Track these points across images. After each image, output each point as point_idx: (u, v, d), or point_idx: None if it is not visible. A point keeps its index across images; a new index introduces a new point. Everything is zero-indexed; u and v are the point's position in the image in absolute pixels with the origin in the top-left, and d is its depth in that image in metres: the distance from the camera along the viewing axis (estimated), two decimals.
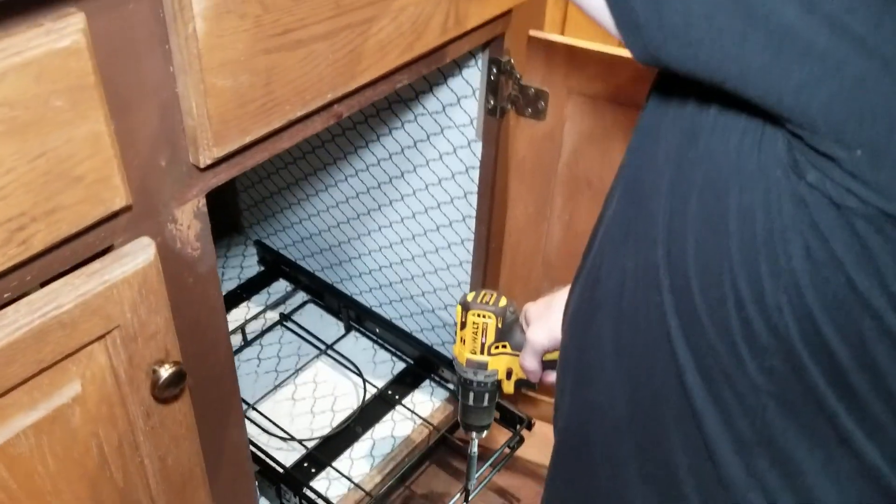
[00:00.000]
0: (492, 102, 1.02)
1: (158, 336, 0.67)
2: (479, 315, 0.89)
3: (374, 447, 1.26)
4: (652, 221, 0.50)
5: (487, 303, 0.90)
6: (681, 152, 0.48)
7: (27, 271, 0.57)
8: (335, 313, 1.46)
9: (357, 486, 1.19)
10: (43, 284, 0.59)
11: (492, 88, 1.01)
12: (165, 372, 0.67)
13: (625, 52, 0.93)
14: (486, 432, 1.01)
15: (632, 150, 0.55)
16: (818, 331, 0.41)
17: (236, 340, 1.40)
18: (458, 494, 1.15)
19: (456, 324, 0.92)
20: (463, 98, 1.07)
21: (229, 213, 1.59)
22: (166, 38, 0.59)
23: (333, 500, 1.16)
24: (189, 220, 0.69)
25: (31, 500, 0.63)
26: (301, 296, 1.50)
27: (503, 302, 0.90)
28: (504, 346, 0.90)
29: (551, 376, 0.88)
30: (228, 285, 1.52)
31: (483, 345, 0.90)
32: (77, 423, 0.64)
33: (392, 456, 1.25)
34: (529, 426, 1.25)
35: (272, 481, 1.16)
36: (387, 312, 1.42)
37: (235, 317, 1.43)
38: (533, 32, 0.94)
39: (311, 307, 1.48)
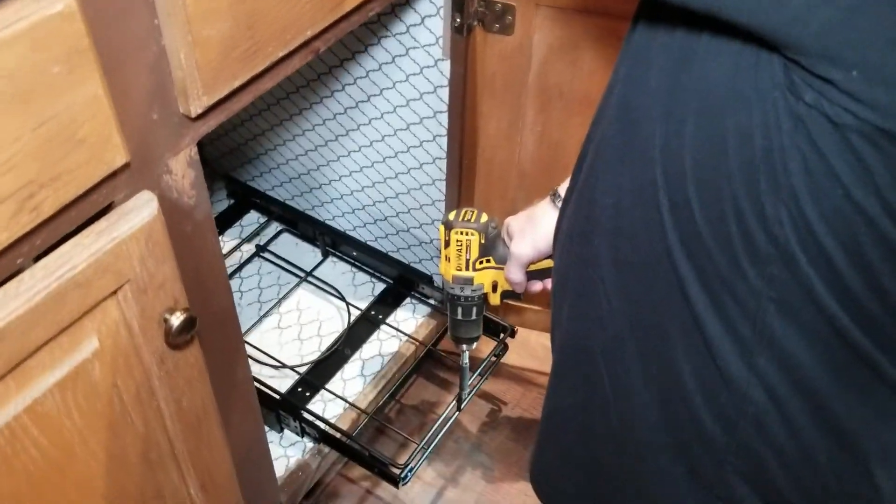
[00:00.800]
0: (458, 20, 1.02)
1: (167, 285, 0.68)
2: (461, 233, 0.92)
3: (364, 367, 1.30)
4: (647, 143, 0.53)
5: (469, 220, 0.92)
6: (673, 76, 0.50)
7: (38, 236, 0.58)
8: (311, 240, 1.47)
9: (351, 405, 1.23)
10: (51, 248, 0.60)
11: (457, 6, 1.00)
12: (176, 320, 0.69)
13: None
14: (475, 344, 1.06)
15: (620, 75, 0.57)
16: (816, 239, 0.45)
17: None
18: (452, 402, 1.20)
19: (440, 243, 0.95)
20: (427, 17, 1.07)
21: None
22: None
23: (331, 420, 1.21)
24: (183, 170, 0.69)
25: (61, 453, 0.66)
26: (275, 226, 1.51)
27: (484, 218, 0.93)
28: (488, 261, 0.94)
29: (536, 286, 0.92)
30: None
31: (468, 261, 0.94)
32: (97, 377, 0.66)
33: (382, 374, 1.29)
34: (513, 334, 1.30)
35: (270, 408, 1.19)
36: (362, 235, 1.44)
37: None
38: None
39: (286, 236, 1.49)
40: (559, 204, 0.83)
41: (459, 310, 0.99)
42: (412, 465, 1.13)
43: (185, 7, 0.59)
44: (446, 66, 1.09)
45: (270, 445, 1.19)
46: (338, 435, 1.16)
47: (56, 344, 0.61)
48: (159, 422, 0.76)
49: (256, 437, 1.00)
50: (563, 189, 0.84)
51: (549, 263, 0.90)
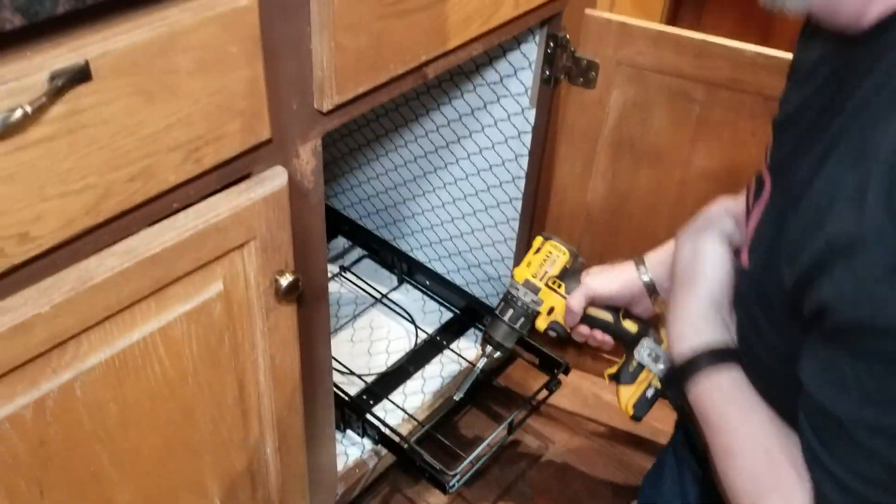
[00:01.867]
0: (547, 73, 1.15)
1: (282, 250, 0.81)
2: (556, 246, 0.96)
3: (425, 384, 1.40)
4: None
5: (566, 242, 0.98)
6: None
7: (193, 187, 0.72)
8: (389, 267, 1.60)
9: (410, 416, 1.33)
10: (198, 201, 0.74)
11: (548, 60, 1.14)
12: (285, 280, 0.81)
13: (669, 28, 1.07)
14: (499, 354, 1.02)
15: None
16: None
17: None
18: (503, 426, 1.28)
19: (531, 250, 0.99)
20: (520, 69, 1.21)
21: None
22: (308, 2, 0.73)
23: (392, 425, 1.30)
24: (308, 157, 0.83)
25: (177, 376, 0.78)
26: (359, 251, 1.64)
27: (576, 250, 0.98)
28: (559, 286, 0.96)
29: (583, 329, 0.94)
30: None
31: (546, 274, 0.96)
32: (216, 317, 0.78)
33: (440, 393, 1.39)
34: (567, 371, 1.39)
35: (336, 406, 1.30)
36: (437, 268, 1.56)
37: None
38: (588, 11, 1.08)
39: (367, 262, 1.63)
40: (642, 270, 0.90)
41: (510, 312, 0.97)
42: (460, 473, 1.22)
43: (332, 19, 0.73)
44: (532, 114, 1.22)
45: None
46: (395, 438, 1.26)
47: (191, 280, 0.74)
48: (254, 374, 0.88)
49: (326, 420, 1.11)
50: (650, 258, 0.90)
51: (606, 316, 0.93)
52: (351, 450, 1.30)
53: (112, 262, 0.66)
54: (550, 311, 0.97)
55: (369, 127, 1.49)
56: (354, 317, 1.51)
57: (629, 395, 0.93)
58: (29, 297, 0.62)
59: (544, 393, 1.37)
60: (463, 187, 1.42)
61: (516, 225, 1.36)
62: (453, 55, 0.94)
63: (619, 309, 0.93)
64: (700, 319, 0.71)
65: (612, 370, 0.95)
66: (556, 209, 1.28)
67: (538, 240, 0.98)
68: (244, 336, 0.84)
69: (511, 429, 1.30)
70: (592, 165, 1.20)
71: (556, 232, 1.34)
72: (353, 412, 1.29)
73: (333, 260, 1.62)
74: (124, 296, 0.68)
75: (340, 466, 1.27)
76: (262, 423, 0.94)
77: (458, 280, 1.54)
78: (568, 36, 1.11)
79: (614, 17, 1.05)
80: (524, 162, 1.28)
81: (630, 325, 0.93)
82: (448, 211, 1.47)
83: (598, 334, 0.94)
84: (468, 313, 1.52)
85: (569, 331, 0.95)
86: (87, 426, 0.72)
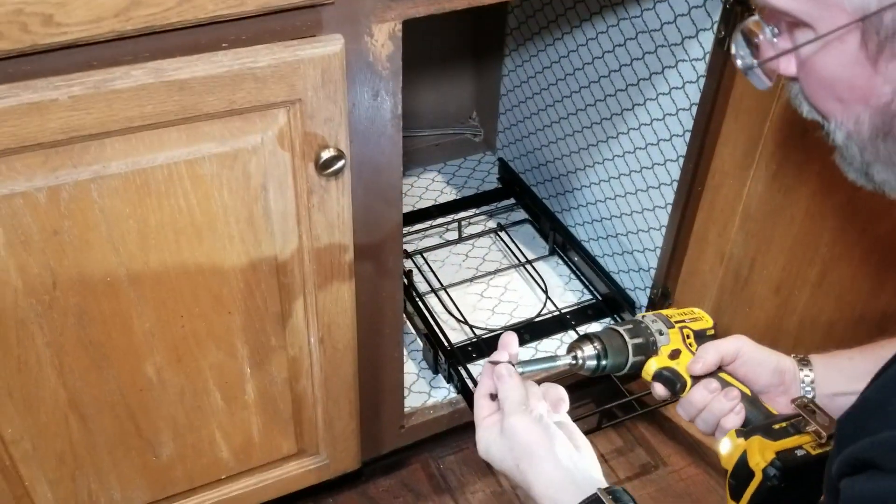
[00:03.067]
0: (722, 32, 1.02)
1: (332, 123, 0.80)
2: (703, 313, 0.85)
3: (534, 356, 1.32)
4: None
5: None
6: None
7: (241, 30, 0.73)
8: (545, 236, 1.53)
9: None
10: None
11: (724, 18, 1.01)
12: (326, 154, 0.80)
13: None
14: (589, 365, 0.78)
15: None
16: None
17: (452, 235, 1.53)
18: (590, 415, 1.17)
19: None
20: (702, 30, 1.08)
21: (487, 138, 1.73)
22: None
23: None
24: (384, 40, 0.81)
25: (204, 219, 0.80)
26: (521, 214, 1.59)
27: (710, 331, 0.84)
28: (691, 341, 0.81)
29: (697, 395, 0.77)
30: (467, 192, 1.66)
31: (684, 323, 0.82)
32: (252, 171, 0.79)
33: (545, 369, 1.30)
34: None
35: (435, 347, 1.27)
36: (593, 249, 1.47)
37: (458, 213, 1.57)
38: None
39: (526, 226, 1.57)
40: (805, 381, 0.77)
41: (630, 329, 0.79)
42: None
43: None
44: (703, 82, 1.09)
45: (421, 381, 1.27)
46: (472, 388, 1.20)
47: (225, 123, 0.76)
48: (297, 251, 0.88)
49: (394, 341, 1.08)
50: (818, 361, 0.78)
51: (743, 388, 0.78)
52: (435, 392, 1.26)
53: (137, 74, 0.69)
54: (673, 355, 0.79)
55: (556, 85, 1.43)
56: (494, 273, 1.47)
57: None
58: (50, 83, 0.67)
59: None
60: (628, 161, 1.31)
61: (670, 210, 1.23)
62: None
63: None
64: None
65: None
66: (710, 196, 1.13)
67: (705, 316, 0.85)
68: (287, 205, 0.84)
69: (600, 422, 1.18)
70: (756, 149, 1.04)
71: (705, 226, 1.19)
72: (446, 355, 1.25)
73: (494, 215, 1.58)
74: (147, 112, 0.71)
75: (417, 403, 1.24)
76: (306, 307, 0.94)
77: (609, 266, 1.43)
78: None
79: None
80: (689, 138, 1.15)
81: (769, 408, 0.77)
82: (612, 187, 1.37)
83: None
84: (608, 301, 1.41)
85: (685, 384, 0.78)
86: (104, 233, 0.76)
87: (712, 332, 0.84)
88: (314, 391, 1.03)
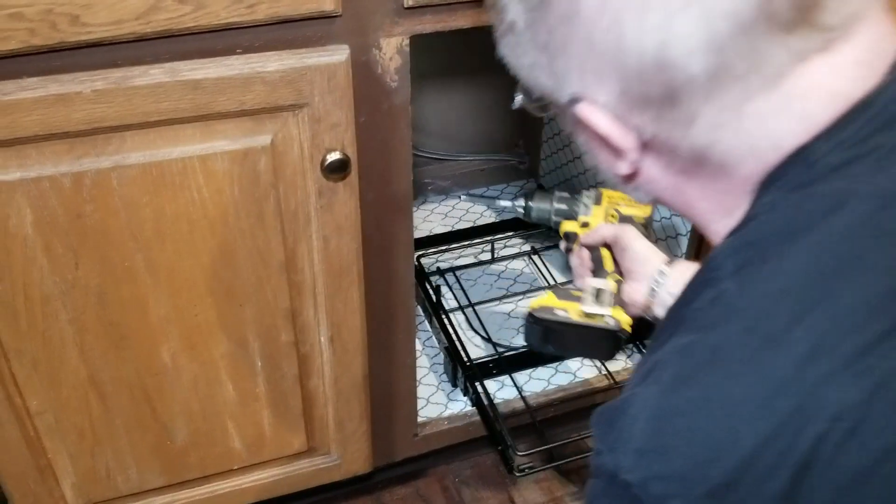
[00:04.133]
0: None
1: (339, 129, 0.85)
2: (640, 208, 1.19)
3: (554, 376, 1.33)
4: None
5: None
6: None
7: (255, 37, 0.79)
8: None
9: (523, 397, 1.27)
10: None
11: None
12: (332, 157, 0.85)
13: None
14: (523, 207, 1.30)
15: None
16: None
17: (487, 255, 1.56)
18: None
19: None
20: None
21: (531, 166, 1.77)
22: None
23: (498, 398, 1.27)
24: (392, 53, 0.85)
25: (217, 213, 0.86)
26: (556, 239, 1.61)
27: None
28: (614, 218, 1.18)
29: (573, 257, 1.14)
30: (506, 216, 1.69)
31: (617, 205, 1.19)
32: (262, 169, 0.85)
33: (564, 388, 1.31)
34: None
35: (455, 361, 1.29)
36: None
37: (495, 235, 1.60)
38: None
39: (559, 252, 1.59)
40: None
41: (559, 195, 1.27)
42: (535, 463, 1.14)
43: None
44: None
45: (440, 393, 1.30)
46: (485, 402, 1.22)
47: (237, 123, 0.82)
48: (308, 251, 0.93)
49: (406, 348, 1.12)
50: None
51: (609, 265, 1.07)
52: (452, 405, 1.29)
53: (155, 73, 0.76)
54: (585, 225, 1.18)
55: None
56: (524, 295, 1.49)
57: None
58: (76, 78, 0.74)
59: None
60: None
61: (685, 244, 1.23)
62: None
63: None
64: None
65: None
66: None
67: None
68: (297, 205, 0.89)
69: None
70: None
71: None
72: (464, 371, 1.28)
73: (529, 239, 1.61)
74: (164, 108, 0.77)
75: (433, 413, 1.27)
76: (316, 306, 0.98)
77: None
78: None
79: None
80: None
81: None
82: None
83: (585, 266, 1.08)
84: (636, 329, 1.40)
85: (575, 245, 1.14)
86: (123, 219, 0.83)
87: (642, 220, 1.13)
88: (325, 390, 1.07)
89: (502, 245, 1.59)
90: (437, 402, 1.29)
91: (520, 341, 1.39)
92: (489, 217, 1.68)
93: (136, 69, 0.76)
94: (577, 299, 1.00)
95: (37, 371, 0.90)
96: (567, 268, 1.54)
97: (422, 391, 1.29)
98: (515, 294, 1.49)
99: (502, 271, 1.55)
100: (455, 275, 1.51)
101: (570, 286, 1.11)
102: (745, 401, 0.43)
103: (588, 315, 0.98)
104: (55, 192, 0.79)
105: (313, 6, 0.78)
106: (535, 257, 1.57)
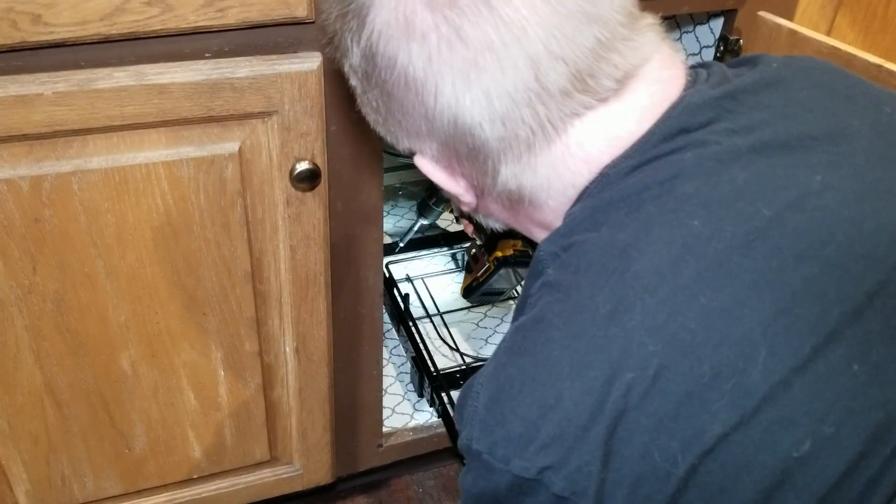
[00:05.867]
0: None
1: (308, 138, 0.83)
2: None
3: None
4: None
5: None
6: None
7: (225, 42, 0.77)
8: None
9: None
10: None
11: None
12: (301, 166, 0.83)
13: (846, 46, 0.90)
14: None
15: None
16: None
17: (456, 263, 1.55)
18: None
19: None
20: (690, 56, 1.10)
21: None
22: None
23: None
24: None
25: (181, 220, 0.84)
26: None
27: None
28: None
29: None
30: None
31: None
32: (229, 177, 0.83)
33: None
34: None
35: (421, 372, 1.28)
36: None
37: (466, 243, 1.58)
38: (762, 13, 0.95)
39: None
40: None
41: None
42: None
43: None
44: None
45: (405, 403, 1.28)
46: (451, 414, 1.21)
47: (204, 129, 0.80)
48: (274, 260, 0.91)
49: (372, 357, 1.10)
50: None
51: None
52: (418, 415, 1.28)
53: (120, 76, 0.74)
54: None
55: None
56: (493, 305, 1.48)
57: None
58: (36, 79, 0.72)
59: None
60: None
61: None
62: None
63: None
64: None
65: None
66: None
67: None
68: (264, 214, 0.87)
69: None
70: None
71: None
72: (430, 381, 1.26)
73: None
74: (128, 112, 0.75)
75: (398, 424, 1.25)
76: (281, 316, 0.96)
77: None
78: (742, 42, 0.99)
79: (786, 24, 0.91)
80: None
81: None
82: None
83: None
84: None
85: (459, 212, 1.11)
86: (83, 225, 0.80)
87: None
88: (289, 400, 1.05)
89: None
90: (403, 413, 1.28)
91: (487, 352, 1.38)
92: (459, 224, 1.67)
93: (100, 71, 0.74)
94: None
95: None
96: None
97: (387, 401, 1.28)
98: (484, 303, 1.48)
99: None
100: (424, 282, 1.50)
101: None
102: (562, 361, 0.49)
103: None
104: (12, 195, 0.76)
105: (285, 12, 0.76)
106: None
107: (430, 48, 0.53)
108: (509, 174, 0.57)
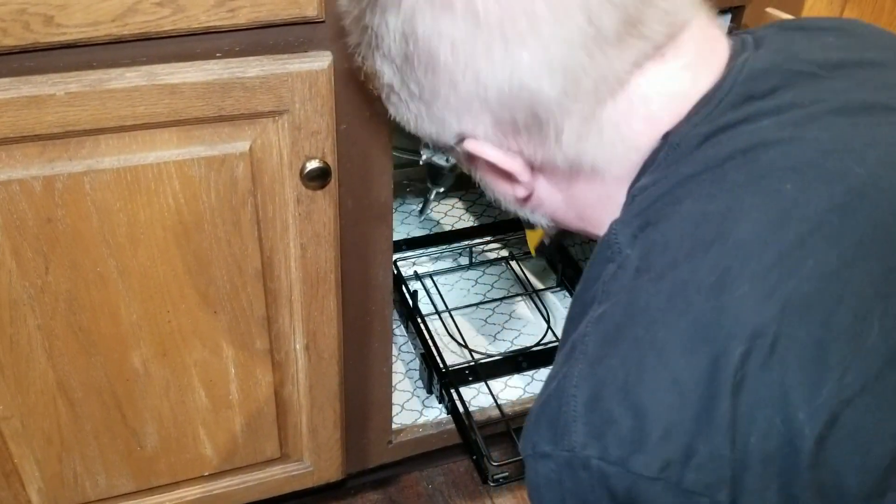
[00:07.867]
0: None
1: (319, 136, 0.83)
2: None
3: (530, 384, 1.33)
4: None
5: None
6: None
7: (235, 42, 0.77)
8: (554, 268, 1.54)
9: (499, 406, 1.27)
10: None
11: None
12: (311, 164, 0.84)
13: None
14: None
15: None
16: None
17: (464, 260, 1.55)
18: None
19: None
20: None
21: None
22: None
23: (473, 406, 1.26)
24: None
25: (192, 219, 0.84)
26: None
27: None
28: None
29: None
30: (485, 220, 1.68)
31: None
32: (240, 176, 0.83)
33: None
34: None
35: (430, 368, 1.29)
36: None
37: (473, 240, 1.59)
38: (770, 9, 0.95)
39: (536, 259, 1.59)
40: None
41: None
42: (510, 473, 1.14)
43: None
44: None
45: (414, 399, 1.29)
46: (461, 410, 1.21)
47: (215, 128, 0.80)
48: (285, 257, 0.92)
49: (382, 355, 1.11)
50: None
51: None
52: (427, 411, 1.28)
53: (131, 76, 0.74)
54: None
55: None
56: (500, 301, 1.48)
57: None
58: (49, 79, 0.72)
59: None
60: None
61: None
62: None
63: None
64: None
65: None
66: None
67: None
68: (275, 213, 0.88)
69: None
70: None
71: None
72: (440, 378, 1.27)
73: (508, 244, 1.60)
74: (139, 112, 0.75)
75: (407, 420, 1.26)
76: (292, 314, 0.97)
77: None
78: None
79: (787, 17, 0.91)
80: None
81: None
82: None
83: None
84: None
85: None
86: (95, 225, 0.81)
87: None
88: (299, 398, 1.06)
89: (480, 250, 1.58)
90: (412, 409, 1.28)
91: (496, 348, 1.38)
92: (468, 221, 1.68)
93: (112, 72, 0.74)
94: None
95: (3, 375, 0.88)
96: (544, 274, 1.53)
97: (397, 397, 1.28)
98: (493, 300, 1.48)
99: (479, 276, 1.54)
100: (433, 279, 1.50)
101: None
102: (671, 340, 0.45)
103: None
104: (25, 196, 0.77)
105: (296, 11, 0.76)
106: (513, 263, 1.56)
107: (476, 6, 0.51)
108: (573, 137, 0.55)
